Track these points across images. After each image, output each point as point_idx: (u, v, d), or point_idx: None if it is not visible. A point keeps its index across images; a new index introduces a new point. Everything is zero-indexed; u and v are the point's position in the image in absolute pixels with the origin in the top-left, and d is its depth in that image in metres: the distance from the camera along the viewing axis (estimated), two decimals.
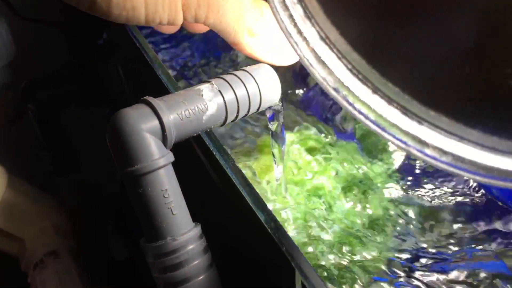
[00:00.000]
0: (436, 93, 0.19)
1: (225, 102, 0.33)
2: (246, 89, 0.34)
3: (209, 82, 0.33)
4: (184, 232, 0.30)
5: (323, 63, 0.21)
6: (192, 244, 0.31)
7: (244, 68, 0.36)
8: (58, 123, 0.72)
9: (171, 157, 0.31)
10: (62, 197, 0.71)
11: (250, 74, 0.35)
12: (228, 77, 0.34)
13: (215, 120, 0.33)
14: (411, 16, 0.19)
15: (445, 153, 0.20)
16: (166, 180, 0.30)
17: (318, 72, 0.21)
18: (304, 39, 0.21)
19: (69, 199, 0.73)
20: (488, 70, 0.18)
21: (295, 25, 0.21)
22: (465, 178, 0.21)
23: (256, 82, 0.35)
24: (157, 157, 0.30)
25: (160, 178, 0.30)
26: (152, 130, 0.30)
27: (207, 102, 0.32)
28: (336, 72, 0.21)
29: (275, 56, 0.36)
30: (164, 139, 0.30)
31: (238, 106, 0.34)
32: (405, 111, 0.20)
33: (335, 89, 0.21)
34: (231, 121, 0.35)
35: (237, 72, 0.35)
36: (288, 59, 0.36)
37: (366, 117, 0.21)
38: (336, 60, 0.21)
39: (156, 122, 0.30)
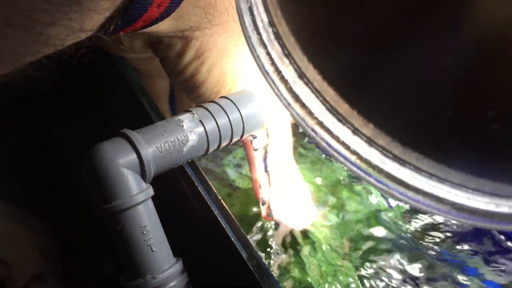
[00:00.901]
0: (417, 134, 0.19)
1: (206, 132, 0.32)
2: (228, 117, 0.33)
3: (189, 111, 0.33)
4: (165, 269, 0.29)
5: (301, 102, 0.20)
6: (173, 281, 0.30)
7: (226, 95, 0.35)
8: (44, 143, 0.70)
9: (150, 192, 0.30)
10: (49, 218, 0.70)
11: (231, 101, 0.34)
12: (209, 105, 0.33)
13: (196, 151, 0.32)
14: (390, 55, 0.18)
15: (427, 195, 0.19)
16: (145, 216, 0.29)
17: (296, 112, 0.20)
18: (282, 78, 0.20)
19: (56, 220, 0.72)
20: (471, 112, 0.17)
21: (273, 63, 0.20)
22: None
23: (238, 109, 0.34)
24: (136, 193, 0.29)
25: (139, 214, 0.29)
26: (130, 165, 0.29)
27: (187, 133, 0.31)
28: (315, 112, 0.20)
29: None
30: (142, 174, 0.29)
31: (220, 136, 0.33)
32: (386, 152, 0.19)
33: (313, 130, 0.20)
34: (214, 151, 0.34)
35: (218, 100, 0.34)
36: None
37: (346, 159, 0.20)
38: (314, 100, 0.20)
39: (134, 156, 0.29)
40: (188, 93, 0.39)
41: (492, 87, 0.17)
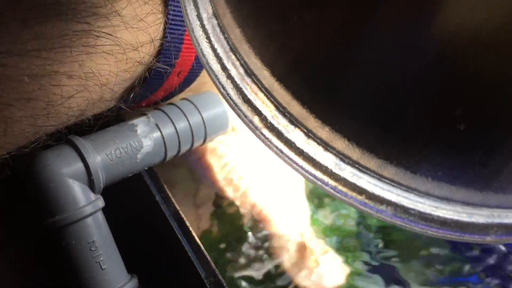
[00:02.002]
0: (377, 137, 0.16)
1: (163, 138, 0.30)
2: (188, 120, 0.31)
3: (145, 115, 0.30)
4: None
5: (249, 103, 0.18)
6: None
7: (186, 97, 0.32)
8: None
9: (99, 203, 0.27)
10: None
11: (192, 103, 0.32)
12: (167, 108, 0.31)
13: (152, 158, 0.30)
14: (345, 48, 0.16)
15: (391, 204, 0.17)
16: (94, 230, 0.27)
17: (243, 114, 0.18)
18: (228, 75, 0.18)
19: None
20: (435, 112, 0.15)
21: (218, 59, 0.18)
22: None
23: (200, 112, 0.32)
24: (82, 205, 0.26)
25: (86, 228, 0.26)
26: (76, 174, 0.26)
27: (141, 139, 0.29)
28: (265, 113, 0.17)
29: None
30: (90, 184, 0.27)
31: (179, 141, 0.31)
32: (343, 157, 0.17)
33: (262, 134, 0.17)
34: (173, 157, 0.31)
35: (177, 102, 0.32)
36: None
37: (298, 165, 0.17)
38: (264, 100, 0.18)
39: (80, 165, 0.27)
40: None
41: (458, 83, 0.15)
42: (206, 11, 0.18)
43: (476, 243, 0.18)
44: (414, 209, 0.17)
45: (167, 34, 0.25)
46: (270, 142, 0.17)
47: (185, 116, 0.31)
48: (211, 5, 0.18)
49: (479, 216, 0.18)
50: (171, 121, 0.30)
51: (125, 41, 0.24)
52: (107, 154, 0.27)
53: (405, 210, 0.17)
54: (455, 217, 0.17)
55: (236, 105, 0.18)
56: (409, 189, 0.17)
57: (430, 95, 0.15)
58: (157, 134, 0.30)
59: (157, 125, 0.30)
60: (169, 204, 0.27)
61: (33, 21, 0.20)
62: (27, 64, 0.20)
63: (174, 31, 0.26)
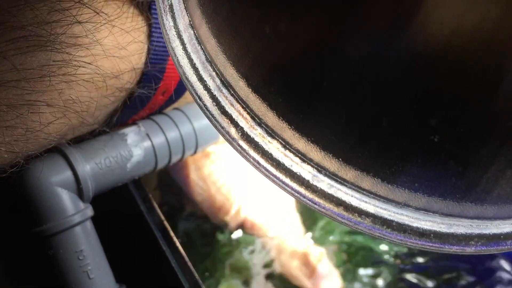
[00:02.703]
0: (353, 148, 0.16)
1: (153, 147, 0.30)
2: (179, 130, 0.31)
3: (135, 124, 0.30)
4: None
5: (226, 114, 0.18)
6: None
7: (178, 107, 0.32)
8: None
9: (88, 212, 0.27)
10: None
11: (183, 113, 0.32)
12: (158, 117, 0.31)
13: (143, 167, 0.30)
14: (319, 58, 0.16)
15: (369, 216, 0.17)
16: (82, 239, 0.27)
17: (220, 125, 0.18)
18: (205, 86, 0.18)
19: None
20: (409, 123, 0.15)
21: (195, 70, 0.18)
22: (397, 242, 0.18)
23: (191, 122, 0.32)
24: (71, 214, 0.26)
25: (74, 237, 0.26)
26: (65, 183, 0.27)
27: (131, 148, 0.29)
28: (242, 125, 0.17)
29: None
30: (79, 192, 0.27)
31: (170, 150, 0.31)
32: (320, 169, 0.17)
33: (239, 146, 0.17)
34: (164, 166, 0.32)
35: (168, 112, 0.32)
36: None
37: (276, 177, 0.17)
38: (241, 111, 0.17)
39: (69, 174, 0.27)
40: None
41: (432, 94, 0.15)
42: (183, 21, 0.19)
43: (456, 254, 0.18)
44: (392, 221, 0.17)
45: (149, 60, 0.26)
46: (247, 153, 0.17)
47: (176, 125, 0.31)
48: (187, 15, 0.18)
49: (459, 227, 0.17)
50: (162, 130, 0.30)
51: (106, 69, 0.24)
52: (97, 163, 0.28)
53: (383, 221, 0.17)
54: (434, 228, 0.17)
55: (213, 116, 0.18)
56: (387, 200, 0.17)
57: (404, 107, 0.15)
58: (147, 143, 0.30)
59: (147, 134, 0.30)
60: (153, 214, 0.27)
61: (12, 52, 0.20)
62: (5, 94, 0.21)
63: (159, 53, 0.26)
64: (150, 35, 0.26)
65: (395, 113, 0.15)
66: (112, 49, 0.25)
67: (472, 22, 0.14)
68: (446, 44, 0.14)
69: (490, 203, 0.17)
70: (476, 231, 0.17)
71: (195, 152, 0.32)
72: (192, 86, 0.18)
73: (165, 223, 0.26)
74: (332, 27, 0.15)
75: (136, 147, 0.29)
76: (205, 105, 0.18)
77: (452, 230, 0.17)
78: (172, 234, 0.26)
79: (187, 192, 0.37)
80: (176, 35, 0.18)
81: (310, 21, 0.15)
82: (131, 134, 0.29)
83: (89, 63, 0.24)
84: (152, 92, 0.28)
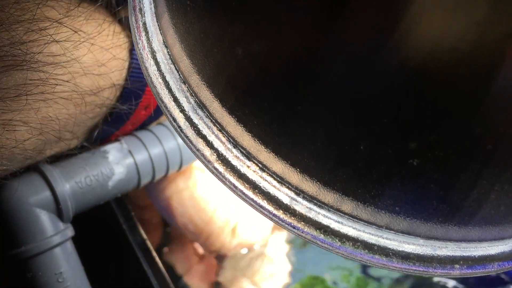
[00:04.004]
0: (331, 171, 0.16)
1: (136, 164, 0.29)
2: (163, 146, 0.30)
3: (118, 141, 0.30)
4: None
5: (202, 136, 0.17)
6: None
7: (163, 122, 0.32)
8: None
9: (68, 233, 0.27)
10: None
11: (167, 128, 0.31)
12: (141, 133, 0.30)
13: (125, 185, 0.29)
14: (292, 78, 0.15)
15: (351, 240, 0.16)
16: (62, 261, 0.26)
17: (196, 148, 0.17)
18: (180, 108, 0.17)
19: None
20: (388, 146, 0.15)
21: (170, 90, 0.17)
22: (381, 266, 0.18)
23: (175, 137, 0.31)
24: (50, 235, 0.26)
25: (54, 259, 0.26)
26: (43, 203, 0.26)
27: (113, 166, 0.28)
28: (218, 147, 0.17)
29: None
30: (59, 213, 0.26)
31: (153, 167, 0.30)
32: (299, 192, 0.17)
33: (215, 169, 0.17)
34: (148, 183, 0.31)
35: (152, 127, 0.31)
36: None
37: (254, 202, 0.17)
38: (217, 133, 0.17)
39: (47, 194, 0.26)
40: None
41: (411, 116, 0.14)
42: (157, 40, 0.18)
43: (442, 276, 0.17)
44: (374, 244, 0.17)
45: (131, 75, 0.26)
46: (223, 176, 0.17)
47: (160, 141, 0.30)
48: (161, 33, 0.18)
49: (443, 250, 0.17)
50: (145, 147, 0.30)
51: (85, 86, 0.24)
52: (77, 182, 0.27)
53: (365, 245, 0.17)
54: (417, 251, 0.17)
55: (188, 138, 0.17)
56: (368, 223, 0.16)
57: (382, 130, 0.14)
58: (130, 160, 0.29)
59: (130, 151, 0.29)
60: (135, 233, 0.27)
61: None
62: None
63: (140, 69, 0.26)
64: (131, 51, 0.26)
65: (373, 137, 0.14)
66: (91, 66, 0.24)
67: (450, 42, 0.13)
68: (423, 67, 0.14)
69: (475, 226, 0.16)
70: (461, 253, 0.17)
71: (179, 168, 0.32)
72: (166, 107, 0.17)
73: (148, 242, 0.26)
74: (306, 50, 0.14)
75: (118, 164, 0.28)
76: (179, 126, 0.17)
77: (436, 253, 0.17)
78: (154, 254, 0.25)
79: (169, 221, 0.35)
80: (150, 54, 0.18)
81: (284, 43, 0.15)
82: (113, 151, 0.29)
83: (67, 81, 0.23)
84: (133, 107, 0.28)
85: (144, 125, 0.31)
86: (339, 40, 0.14)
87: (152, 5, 0.19)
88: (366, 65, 0.14)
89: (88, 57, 0.24)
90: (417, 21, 0.13)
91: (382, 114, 0.14)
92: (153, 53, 0.18)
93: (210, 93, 0.17)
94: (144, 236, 0.26)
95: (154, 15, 0.18)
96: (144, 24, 0.19)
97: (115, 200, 0.30)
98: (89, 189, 0.27)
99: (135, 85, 0.26)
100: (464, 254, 0.17)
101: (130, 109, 0.27)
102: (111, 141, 0.29)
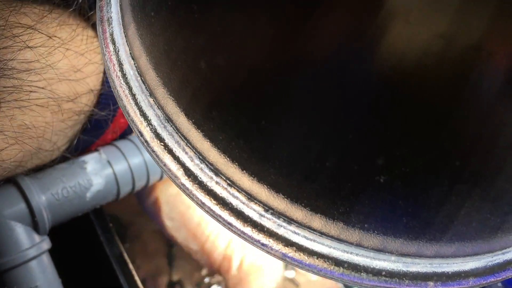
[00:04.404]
0: (299, 187, 0.15)
1: (115, 175, 0.29)
2: (143, 155, 0.30)
3: (97, 151, 0.29)
4: None
5: (170, 151, 0.17)
6: None
7: None
8: None
9: (44, 246, 0.26)
10: None
11: None
12: (121, 143, 0.30)
13: (104, 196, 0.28)
14: (256, 93, 0.15)
15: (321, 257, 0.16)
16: (38, 274, 0.26)
17: (164, 164, 0.17)
18: (148, 122, 0.17)
19: None
20: (355, 162, 0.14)
21: (136, 104, 0.17)
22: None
23: None
24: (25, 248, 0.25)
25: (29, 273, 0.25)
26: (18, 216, 0.25)
27: (91, 177, 0.28)
28: (186, 163, 0.16)
29: None
30: (35, 225, 0.26)
31: (133, 177, 0.29)
32: (268, 208, 0.16)
33: (183, 185, 0.16)
34: (128, 193, 0.30)
35: (132, 137, 0.31)
36: None
37: (221, 219, 0.16)
38: (185, 148, 0.16)
39: (22, 206, 0.26)
40: None
41: (379, 131, 0.14)
42: (124, 51, 0.18)
43: None
44: (345, 261, 0.16)
45: (107, 81, 0.25)
46: (191, 192, 0.16)
47: (140, 151, 0.30)
48: (127, 44, 0.17)
49: (416, 266, 0.16)
50: (124, 156, 0.29)
51: (61, 93, 0.23)
52: (53, 194, 0.26)
53: (336, 262, 0.16)
54: (389, 268, 0.16)
55: (154, 152, 0.17)
56: (339, 240, 0.16)
57: (347, 147, 0.14)
58: (108, 171, 0.29)
59: (109, 161, 0.29)
60: (112, 245, 0.26)
61: None
62: None
63: None
64: None
65: (339, 153, 0.14)
66: (67, 72, 0.24)
67: (415, 55, 0.13)
68: (389, 81, 0.13)
69: (447, 242, 0.16)
70: (434, 270, 0.17)
71: (161, 177, 0.31)
72: (133, 121, 0.17)
73: (125, 255, 0.25)
74: (270, 63, 0.14)
75: (96, 175, 0.28)
76: (146, 141, 0.17)
77: (408, 270, 0.16)
78: (131, 266, 0.25)
79: (162, 230, 0.35)
80: (116, 66, 0.17)
81: (248, 55, 0.14)
82: (91, 161, 0.28)
83: (42, 88, 0.23)
84: (111, 114, 0.27)
85: (125, 134, 0.31)
86: (303, 53, 0.14)
87: (120, 15, 0.18)
88: (331, 80, 0.14)
89: (63, 63, 0.23)
90: (381, 34, 0.13)
91: (347, 129, 0.14)
92: (120, 65, 0.17)
93: (176, 106, 0.16)
94: (121, 248, 0.26)
95: (122, 25, 0.18)
96: (111, 34, 0.18)
97: (94, 211, 0.29)
98: (66, 200, 0.27)
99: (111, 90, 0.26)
100: (438, 271, 0.17)
101: (109, 115, 0.27)
102: (90, 151, 0.29)
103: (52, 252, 0.27)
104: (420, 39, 0.13)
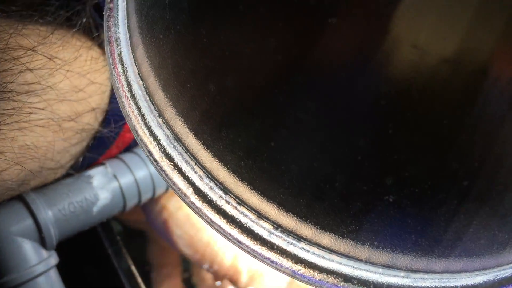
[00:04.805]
0: (308, 206, 0.15)
1: (121, 188, 0.29)
2: (148, 168, 0.30)
3: (103, 165, 0.29)
4: None
5: (179, 170, 0.17)
6: None
7: None
8: None
9: (52, 261, 0.26)
10: None
11: None
12: (126, 156, 0.30)
13: (110, 210, 0.29)
14: (262, 116, 0.15)
15: (327, 272, 0.16)
16: None
17: (174, 182, 0.17)
18: (157, 141, 0.17)
19: None
20: (363, 182, 0.14)
21: (146, 124, 0.17)
22: None
23: None
24: (33, 264, 0.25)
25: None
26: (26, 232, 0.26)
27: (97, 191, 0.28)
28: (195, 181, 0.17)
29: None
30: (42, 241, 0.26)
31: (139, 190, 0.30)
32: (277, 226, 0.16)
33: (193, 204, 0.17)
34: (135, 205, 0.31)
35: (137, 149, 0.31)
36: None
37: (232, 237, 0.16)
38: (194, 167, 0.17)
39: (29, 222, 0.26)
40: None
41: (387, 152, 0.14)
42: (133, 71, 0.18)
43: None
44: (355, 277, 0.16)
45: (113, 98, 0.25)
46: (201, 210, 0.17)
47: (145, 163, 0.30)
48: (136, 65, 0.18)
49: (425, 281, 0.17)
50: (130, 169, 0.30)
51: (62, 113, 0.23)
52: (60, 209, 0.27)
53: (345, 278, 0.16)
54: (399, 283, 0.16)
55: (163, 171, 0.17)
56: (348, 257, 0.16)
57: (357, 167, 0.14)
58: (115, 184, 0.29)
59: (115, 175, 0.29)
60: (120, 258, 0.26)
61: None
62: None
63: None
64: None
65: (347, 173, 0.14)
66: (68, 92, 0.24)
67: (422, 79, 0.13)
68: (398, 103, 0.13)
69: (456, 258, 0.16)
70: (444, 284, 0.17)
71: (167, 189, 0.31)
72: (142, 140, 0.17)
73: (133, 267, 0.25)
74: (277, 84, 0.14)
75: (102, 189, 0.28)
76: (155, 160, 0.17)
77: (417, 285, 0.17)
78: (139, 280, 0.25)
79: (170, 244, 0.34)
80: (125, 86, 0.18)
81: (254, 78, 0.14)
82: (98, 176, 0.28)
83: (42, 109, 0.23)
84: (116, 130, 0.27)
85: (129, 147, 0.31)
86: (309, 76, 0.14)
87: (128, 36, 0.18)
88: (339, 102, 0.14)
89: (64, 84, 0.24)
90: (388, 58, 0.13)
91: (356, 150, 0.14)
92: (128, 85, 0.18)
93: (185, 127, 0.16)
94: (130, 261, 0.26)
95: (130, 46, 0.18)
96: (120, 55, 0.18)
97: (101, 224, 0.29)
98: (73, 216, 0.27)
99: (118, 107, 0.26)
100: (446, 285, 0.17)
101: (114, 132, 0.27)
102: (96, 165, 0.29)
103: (60, 266, 0.27)
104: (427, 63, 0.13)
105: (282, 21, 0.14)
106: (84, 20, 0.24)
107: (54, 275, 0.26)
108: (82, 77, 0.24)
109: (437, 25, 0.13)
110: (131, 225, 0.38)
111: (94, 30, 0.24)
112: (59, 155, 0.25)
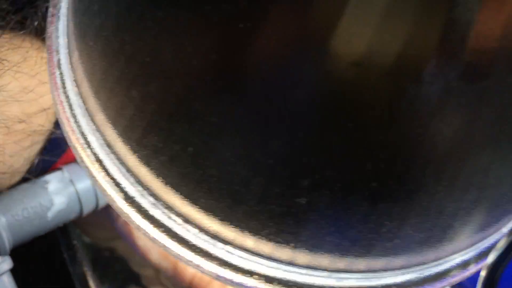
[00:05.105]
0: (228, 207, 0.16)
1: (77, 193, 0.29)
2: None
3: (60, 169, 0.30)
4: None
5: (112, 179, 0.17)
6: None
7: None
8: None
9: (5, 266, 0.26)
10: None
11: None
12: None
13: (66, 215, 0.29)
14: (185, 121, 0.15)
15: (250, 274, 0.17)
16: None
17: (108, 194, 0.17)
18: (91, 150, 0.17)
19: None
20: (276, 185, 0.15)
21: (80, 131, 0.18)
22: None
23: None
24: None
25: None
26: None
27: (53, 196, 0.28)
28: (131, 193, 0.17)
29: None
30: None
31: (96, 195, 0.30)
32: (217, 237, 0.17)
33: (130, 216, 0.17)
34: (92, 211, 0.31)
35: None
36: None
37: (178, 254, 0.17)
38: (128, 176, 0.17)
39: None
40: None
41: (298, 154, 0.14)
42: (69, 76, 0.18)
43: None
44: (277, 278, 0.17)
45: None
46: (129, 216, 0.17)
47: None
48: (71, 71, 0.18)
49: (348, 280, 0.17)
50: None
51: (11, 114, 0.24)
52: (13, 215, 0.27)
53: (267, 279, 0.17)
54: (322, 283, 0.17)
55: (96, 179, 0.17)
56: (271, 259, 0.17)
57: (269, 170, 0.15)
58: (71, 189, 0.29)
59: (71, 180, 0.29)
60: (75, 263, 0.26)
61: None
62: None
63: None
64: None
65: (261, 176, 0.15)
66: (17, 94, 0.24)
67: (331, 82, 0.14)
68: (306, 106, 0.14)
69: (374, 258, 0.17)
70: (367, 283, 0.17)
71: None
72: (74, 146, 0.17)
73: (87, 273, 0.26)
74: (193, 92, 0.15)
75: (58, 194, 0.28)
76: (87, 166, 0.17)
77: (340, 284, 0.17)
78: (91, 283, 0.25)
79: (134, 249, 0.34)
80: (62, 93, 0.18)
81: (176, 84, 0.15)
82: (54, 180, 0.29)
83: None
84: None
85: None
86: (225, 81, 0.14)
87: (66, 42, 0.19)
88: (252, 105, 0.14)
89: (14, 85, 0.24)
90: (300, 63, 0.14)
91: (270, 153, 0.15)
92: (65, 92, 0.18)
93: (114, 133, 0.17)
94: (84, 268, 0.26)
95: (67, 53, 0.19)
96: (59, 61, 0.19)
97: (60, 228, 0.29)
98: (27, 221, 0.27)
99: None
100: (370, 284, 0.17)
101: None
102: (53, 169, 0.29)
103: (15, 271, 0.27)
104: (336, 66, 0.14)
105: (199, 28, 0.14)
106: (36, 23, 0.24)
107: (7, 280, 0.26)
108: (31, 78, 0.24)
109: (347, 29, 0.13)
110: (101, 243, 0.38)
111: (45, 32, 0.25)
112: (12, 159, 0.26)
